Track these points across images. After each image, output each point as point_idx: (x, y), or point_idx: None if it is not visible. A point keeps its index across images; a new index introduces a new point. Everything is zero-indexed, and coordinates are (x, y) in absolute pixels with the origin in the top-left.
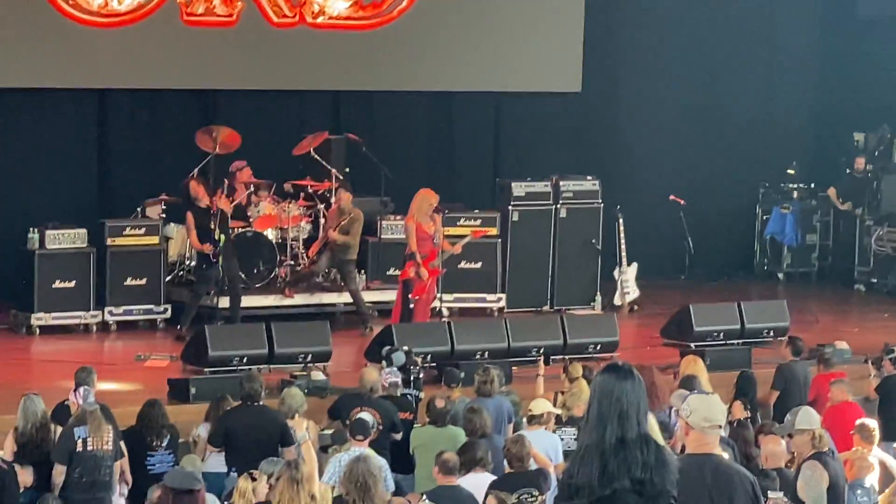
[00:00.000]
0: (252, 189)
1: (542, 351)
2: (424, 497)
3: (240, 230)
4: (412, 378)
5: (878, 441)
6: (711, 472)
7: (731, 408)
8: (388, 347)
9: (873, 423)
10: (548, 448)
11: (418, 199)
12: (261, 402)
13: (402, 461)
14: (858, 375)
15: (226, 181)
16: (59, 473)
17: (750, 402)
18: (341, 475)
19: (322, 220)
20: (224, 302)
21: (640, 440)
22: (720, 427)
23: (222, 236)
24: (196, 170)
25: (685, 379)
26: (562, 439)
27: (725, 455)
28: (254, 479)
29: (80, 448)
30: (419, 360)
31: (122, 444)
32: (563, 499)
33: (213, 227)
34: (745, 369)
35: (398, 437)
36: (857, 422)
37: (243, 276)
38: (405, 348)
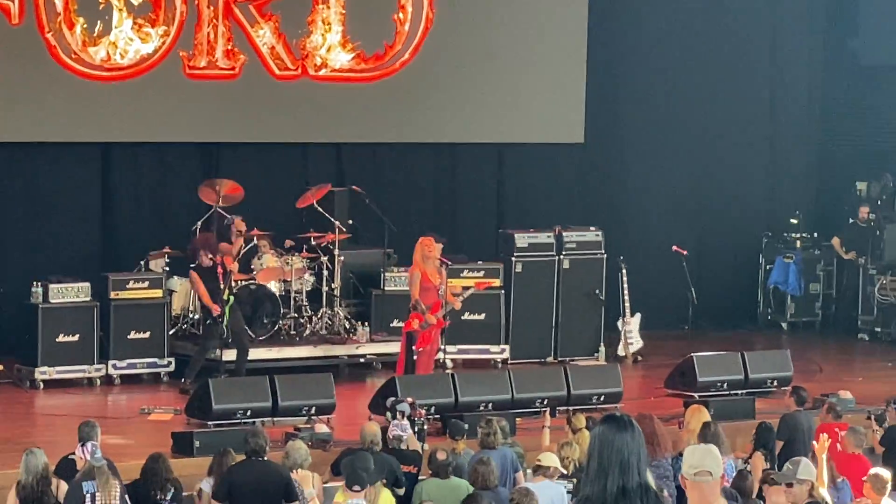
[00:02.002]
0: (248, 245)
1: (545, 402)
2: None
3: (243, 283)
4: (416, 430)
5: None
6: None
7: (750, 458)
8: (392, 399)
9: (887, 475)
10: (553, 498)
11: (416, 247)
12: (265, 458)
13: None
14: (862, 426)
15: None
16: None
17: (770, 453)
18: None
19: (325, 273)
20: (228, 355)
21: (641, 490)
22: (710, 474)
23: (231, 298)
24: (199, 223)
25: (704, 426)
26: (568, 492)
27: None
28: None
29: (88, 503)
30: (423, 411)
31: (127, 499)
32: None
33: (221, 286)
34: (763, 420)
35: (401, 491)
36: (871, 471)
37: (248, 329)
38: (409, 400)
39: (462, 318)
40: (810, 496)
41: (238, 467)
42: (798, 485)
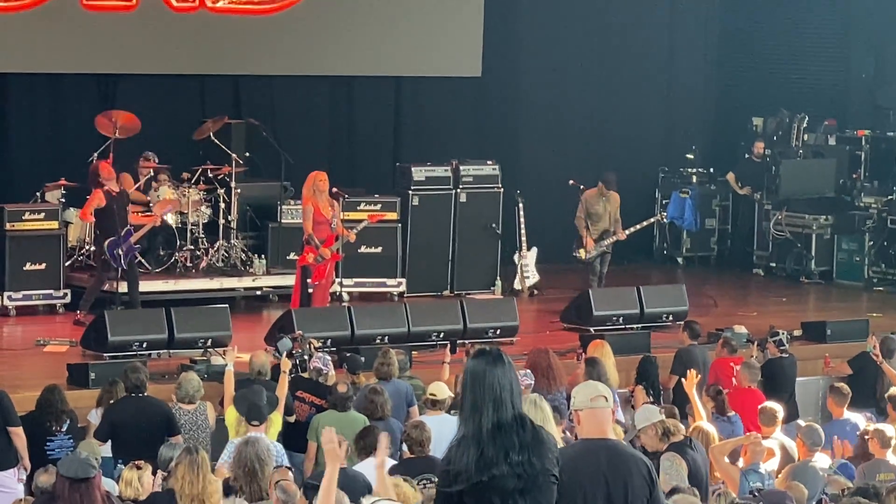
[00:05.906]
0: (151, 174)
1: (441, 336)
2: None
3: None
4: (297, 363)
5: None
6: (607, 457)
7: (633, 392)
8: (279, 335)
9: (777, 407)
10: (454, 431)
11: (307, 181)
12: (146, 393)
13: (298, 442)
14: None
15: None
16: None
17: (652, 387)
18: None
19: (222, 205)
20: (124, 287)
21: (516, 422)
22: (605, 398)
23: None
24: (95, 154)
25: (588, 361)
26: None
27: (622, 435)
28: (139, 469)
29: None
30: (315, 343)
31: None
32: (443, 486)
33: (115, 211)
34: (646, 354)
35: (291, 419)
36: (761, 405)
37: (143, 260)
38: (293, 335)
39: (359, 250)
40: (662, 438)
41: (118, 405)
42: (643, 433)
